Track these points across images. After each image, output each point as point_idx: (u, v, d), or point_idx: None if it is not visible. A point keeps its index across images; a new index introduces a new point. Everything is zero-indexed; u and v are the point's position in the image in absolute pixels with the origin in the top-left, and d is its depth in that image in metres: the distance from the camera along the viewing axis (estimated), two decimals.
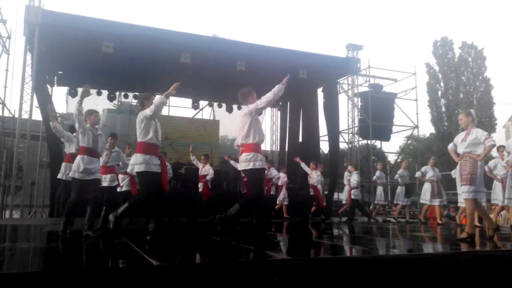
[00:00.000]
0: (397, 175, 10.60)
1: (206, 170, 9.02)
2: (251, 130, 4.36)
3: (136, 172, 4.51)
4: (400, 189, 10.39)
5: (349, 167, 11.09)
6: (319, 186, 10.15)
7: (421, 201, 9.72)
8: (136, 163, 4.47)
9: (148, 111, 4.50)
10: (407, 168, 10.92)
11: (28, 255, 3.70)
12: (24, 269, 3.07)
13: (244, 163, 4.35)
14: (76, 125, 5.18)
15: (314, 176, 10.11)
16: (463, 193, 5.00)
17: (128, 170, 4.78)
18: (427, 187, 9.41)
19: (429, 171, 9.46)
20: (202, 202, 8.88)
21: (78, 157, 5.20)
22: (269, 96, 4.37)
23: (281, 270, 2.84)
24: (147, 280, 2.49)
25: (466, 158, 5.00)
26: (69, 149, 5.87)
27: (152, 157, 4.50)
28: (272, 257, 3.36)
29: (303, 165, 10.31)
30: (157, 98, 4.57)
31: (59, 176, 5.96)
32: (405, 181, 10.43)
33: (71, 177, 5.23)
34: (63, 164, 6.00)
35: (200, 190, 8.99)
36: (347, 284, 2.92)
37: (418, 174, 9.80)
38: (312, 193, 10.16)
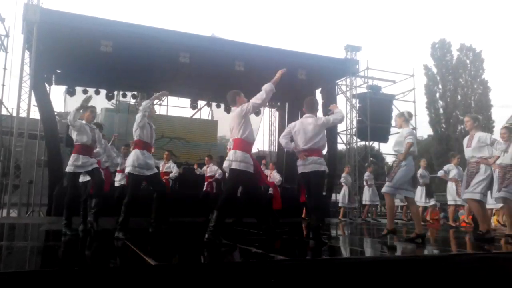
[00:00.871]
0: (417, 175, 9.72)
1: (213, 171, 9.07)
2: (324, 138, 4.61)
3: (231, 169, 4.28)
4: (420, 189, 9.51)
5: None
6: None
7: (449, 202, 8.98)
8: (235, 159, 4.25)
9: (256, 100, 4.27)
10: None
11: (25, 254, 3.69)
12: (21, 268, 3.07)
13: (316, 165, 4.45)
14: (139, 116, 4.76)
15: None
16: (385, 187, 5.10)
17: (225, 165, 4.38)
18: (451, 187, 8.68)
19: (453, 170, 8.69)
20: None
21: (137, 152, 4.79)
22: (340, 114, 4.68)
23: (278, 271, 2.85)
24: (145, 280, 2.49)
25: (396, 157, 5.21)
26: (80, 139, 5.18)
27: (249, 156, 4.35)
28: (270, 258, 3.37)
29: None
30: (266, 85, 4.33)
31: (67, 169, 5.17)
32: (425, 181, 9.67)
33: (128, 172, 4.75)
34: (73, 155, 5.18)
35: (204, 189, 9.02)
36: (345, 285, 2.92)
37: (441, 173, 9.00)
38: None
